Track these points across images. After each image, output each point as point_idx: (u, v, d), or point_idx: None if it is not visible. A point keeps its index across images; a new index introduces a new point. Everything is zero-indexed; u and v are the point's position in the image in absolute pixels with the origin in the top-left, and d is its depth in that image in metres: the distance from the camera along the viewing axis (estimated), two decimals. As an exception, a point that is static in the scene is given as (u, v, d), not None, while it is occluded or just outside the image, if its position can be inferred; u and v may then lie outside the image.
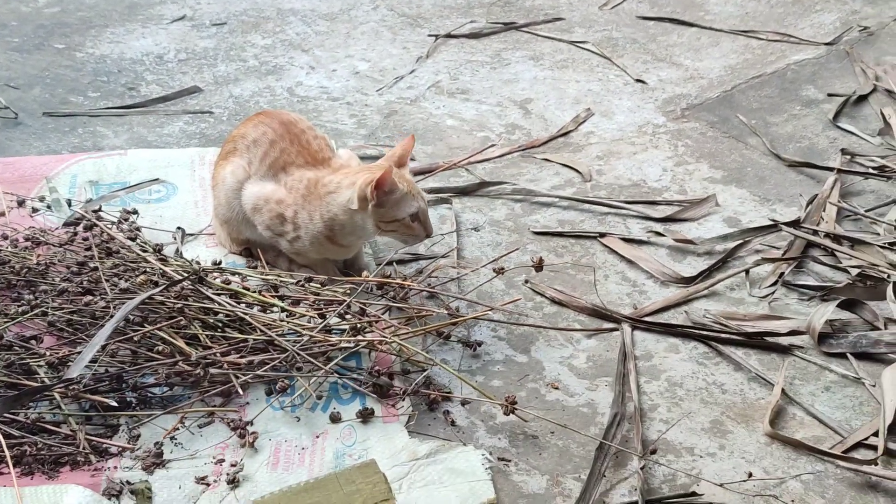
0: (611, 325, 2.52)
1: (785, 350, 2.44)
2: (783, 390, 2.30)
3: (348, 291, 2.40)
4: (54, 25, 3.97)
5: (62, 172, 2.96)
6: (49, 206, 2.79)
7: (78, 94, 3.50)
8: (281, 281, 2.47)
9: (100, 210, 2.72)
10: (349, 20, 4.12)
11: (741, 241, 2.80)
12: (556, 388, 2.33)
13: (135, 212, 2.77)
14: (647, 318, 2.53)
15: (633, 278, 2.69)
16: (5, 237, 2.60)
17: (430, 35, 4.00)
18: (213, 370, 2.19)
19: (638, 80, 3.69)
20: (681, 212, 2.94)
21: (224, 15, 4.13)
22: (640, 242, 2.83)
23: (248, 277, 2.49)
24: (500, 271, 2.48)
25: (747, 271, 2.68)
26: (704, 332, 2.48)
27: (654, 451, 2.12)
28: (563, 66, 3.79)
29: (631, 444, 2.16)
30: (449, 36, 4.00)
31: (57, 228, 2.69)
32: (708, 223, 2.92)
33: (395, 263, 2.68)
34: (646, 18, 4.16)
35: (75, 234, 2.61)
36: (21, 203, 2.79)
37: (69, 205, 2.79)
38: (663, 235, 2.84)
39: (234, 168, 2.59)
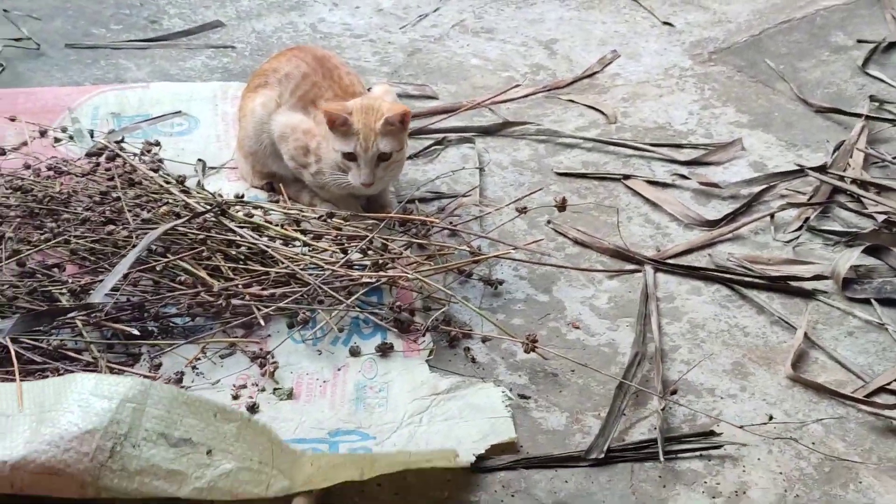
0: (633, 267, 2.50)
1: (808, 294, 2.42)
2: (806, 334, 2.29)
3: (370, 227, 2.40)
4: (76, -43, 3.94)
5: (84, 104, 2.95)
6: (71, 137, 2.78)
7: (100, 27, 3.47)
8: (303, 216, 2.47)
9: (122, 141, 2.71)
10: (373, -43, 4.08)
11: (766, 186, 2.77)
12: (577, 328, 2.33)
13: (157, 143, 2.76)
14: (669, 261, 2.51)
15: (656, 220, 2.68)
16: (28, 167, 2.60)
17: (455, -27, 3.95)
18: (234, 301, 2.19)
19: (665, 23, 3.64)
20: (706, 155, 2.91)
21: (247, -51, 4.09)
22: (664, 185, 2.80)
23: (271, 211, 2.48)
24: (522, 211, 2.47)
25: (772, 215, 2.66)
26: (727, 276, 2.47)
27: (674, 392, 2.12)
28: (590, 7, 3.74)
29: (651, 384, 2.15)
30: (474, -26, 3.95)
31: (79, 159, 2.68)
32: (733, 167, 2.89)
33: (416, 201, 2.66)
34: (674, -40, 4.09)
35: (98, 164, 2.61)
36: (43, 133, 2.77)
37: (91, 135, 2.78)
38: (688, 178, 2.82)
39: (265, 100, 2.58)
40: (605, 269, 2.50)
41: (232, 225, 2.34)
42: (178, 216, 2.34)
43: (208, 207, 2.35)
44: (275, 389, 2.08)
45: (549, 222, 2.63)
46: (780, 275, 2.46)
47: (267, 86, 2.63)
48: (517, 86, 3.21)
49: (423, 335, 2.23)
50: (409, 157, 2.79)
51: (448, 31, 3.56)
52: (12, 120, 2.80)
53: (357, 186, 2.45)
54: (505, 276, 2.46)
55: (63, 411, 1.77)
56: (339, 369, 2.16)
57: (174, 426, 1.79)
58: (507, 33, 3.56)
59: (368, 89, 2.75)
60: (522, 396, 2.13)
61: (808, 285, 2.44)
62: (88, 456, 1.73)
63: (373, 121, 2.39)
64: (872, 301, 2.40)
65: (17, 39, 3.30)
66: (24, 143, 2.72)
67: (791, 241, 2.60)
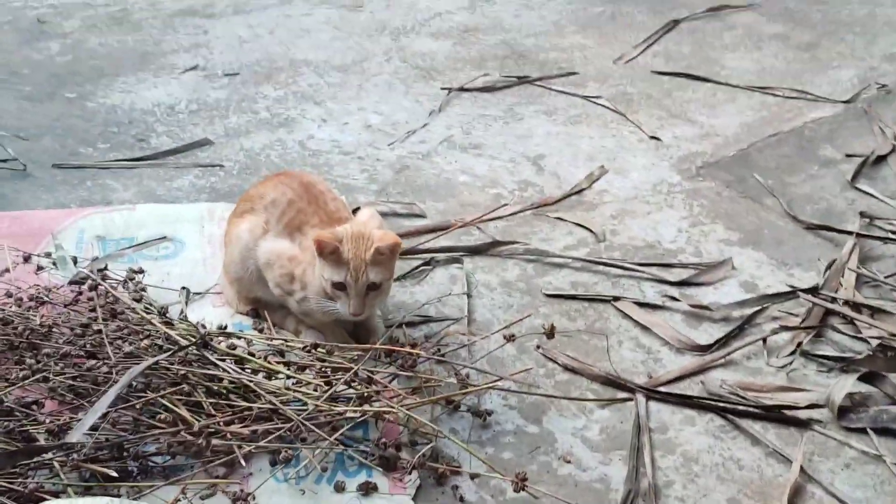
0: (625, 395, 2.45)
1: (804, 424, 2.37)
2: (801, 467, 2.24)
3: (355, 358, 2.35)
4: (66, 74, 3.96)
5: (70, 227, 2.92)
6: (55, 264, 2.75)
7: (88, 146, 3.47)
8: (287, 346, 2.43)
9: (105, 269, 2.68)
10: (361, 72, 4.10)
11: (758, 308, 2.74)
12: (569, 462, 2.27)
13: (141, 271, 2.73)
14: (661, 388, 2.47)
15: (647, 345, 2.64)
16: (9, 295, 2.56)
17: (442, 88, 3.97)
18: (215, 440, 2.14)
19: (652, 137, 3.65)
20: (696, 275, 2.89)
21: (237, 65, 4.11)
22: (654, 307, 2.77)
23: (254, 342, 2.44)
24: (510, 338, 2.43)
25: (765, 340, 2.62)
26: (721, 404, 2.42)
27: (668, 533, 2.06)
28: (577, 122, 3.76)
29: (645, 524, 2.09)
30: (462, 89, 3.96)
31: (62, 287, 2.65)
32: (724, 287, 2.86)
33: (404, 326, 2.62)
34: (660, 73, 4.12)
35: (80, 293, 2.57)
36: (27, 259, 2.74)
37: (75, 262, 2.74)
38: (678, 300, 2.78)
39: (252, 226, 2.56)
40: (596, 398, 2.45)
41: (214, 358, 2.29)
42: (161, 348, 2.30)
43: (190, 341, 2.31)
44: (256, 535, 2.02)
45: (538, 347, 2.59)
46: (775, 403, 2.41)
47: (253, 211, 2.61)
48: (505, 205, 3.20)
49: (410, 472, 2.18)
50: (398, 279, 2.76)
51: (436, 147, 3.56)
52: (-3, 245, 2.78)
53: (346, 315, 2.42)
54: (494, 405, 2.41)
55: None
56: (323, 509, 2.11)
57: None
58: (495, 149, 3.56)
59: (354, 211, 2.73)
60: (512, 538, 2.07)
61: (802, 414, 2.39)
62: None
63: (363, 250, 2.37)
64: (869, 430, 2.35)
65: (2, 160, 3.29)
66: (7, 270, 2.69)
67: (784, 366, 2.56)
